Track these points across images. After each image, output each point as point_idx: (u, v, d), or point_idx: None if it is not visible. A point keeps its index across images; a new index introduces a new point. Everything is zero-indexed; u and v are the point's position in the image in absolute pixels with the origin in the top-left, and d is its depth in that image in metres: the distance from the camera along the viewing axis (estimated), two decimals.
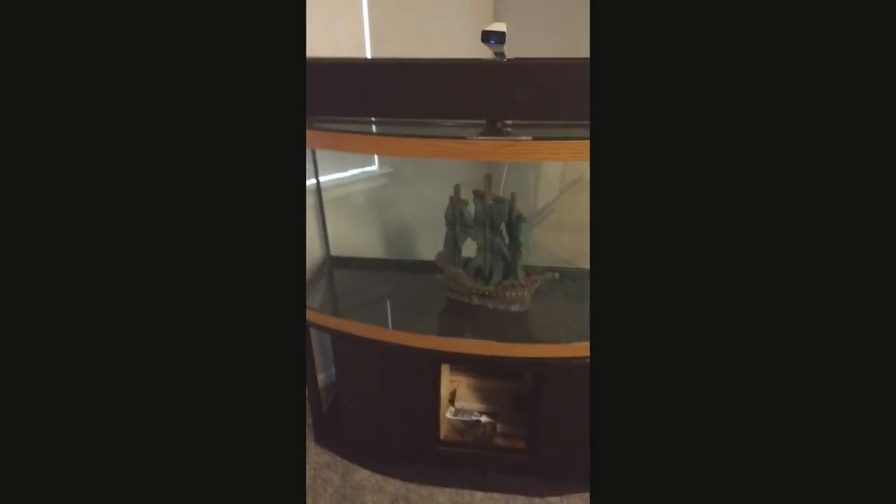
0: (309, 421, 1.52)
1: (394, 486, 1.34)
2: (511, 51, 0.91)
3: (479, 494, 1.32)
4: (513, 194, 1.08)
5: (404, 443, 1.37)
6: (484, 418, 1.52)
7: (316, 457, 1.43)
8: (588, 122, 0.90)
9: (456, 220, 1.16)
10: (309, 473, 1.38)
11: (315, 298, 1.33)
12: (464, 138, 0.86)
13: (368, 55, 1.38)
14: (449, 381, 1.60)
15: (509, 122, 0.98)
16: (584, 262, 1.47)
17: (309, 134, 0.96)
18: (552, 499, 1.31)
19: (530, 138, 0.85)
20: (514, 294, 1.19)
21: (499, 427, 1.48)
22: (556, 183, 1.44)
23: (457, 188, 1.12)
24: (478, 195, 1.11)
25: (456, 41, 1.49)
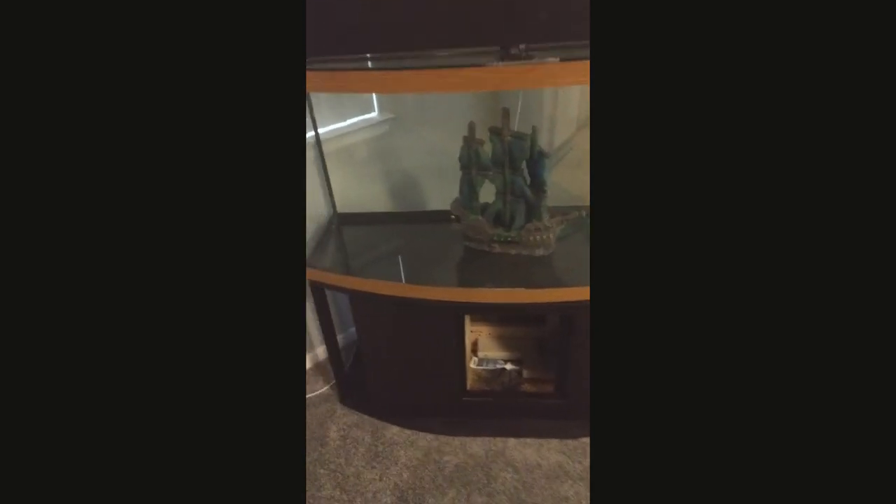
0: (333, 382, 1.50)
1: (425, 439, 1.33)
2: None
3: (511, 441, 1.31)
4: (534, 128, 0.99)
5: (432, 397, 1.35)
6: (509, 366, 1.50)
7: (343, 417, 1.41)
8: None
9: (472, 162, 1.07)
10: (338, 434, 1.36)
11: (327, 258, 1.26)
12: (481, 65, 0.76)
13: None
14: (470, 331, 1.56)
15: (523, 46, 0.87)
16: None
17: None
18: (584, 439, 1.30)
19: (557, 60, 0.75)
20: (538, 237, 1.12)
21: (525, 373, 1.46)
22: (572, 118, 1.34)
23: (471, 126, 1.03)
24: (495, 132, 1.02)
25: None
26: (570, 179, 1.44)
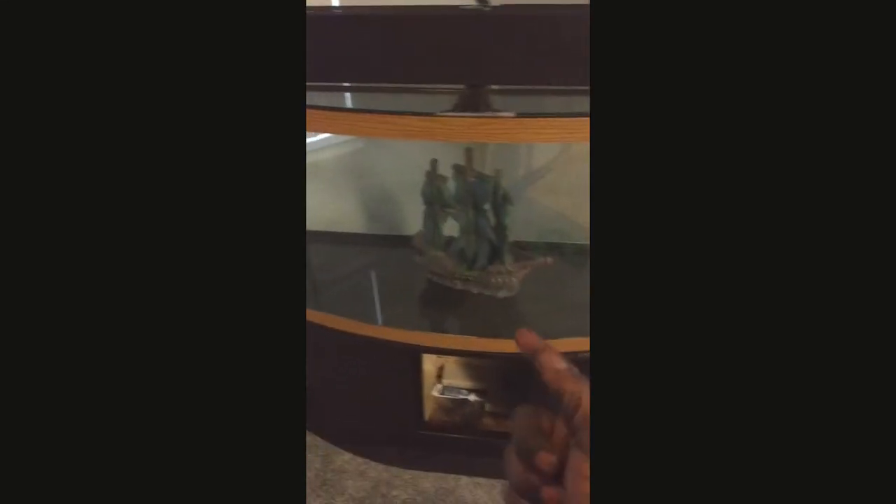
0: None
1: (376, 470, 1.30)
2: None
3: (464, 479, 1.28)
4: (498, 171, 0.93)
5: (386, 428, 1.31)
6: (472, 397, 1.46)
7: None
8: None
9: (434, 199, 1.01)
10: None
11: None
12: (431, 114, 0.70)
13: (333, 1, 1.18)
14: (436, 356, 1.52)
15: (495, 87, 0.81)
16: (585, 230, 1.33)
17: None
18: None
19: (513, 115, 0.69)
20: (500, 280, 1.07)
21: (487, 406, 1.42)
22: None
23: (433, 163, 0.97)
24: (458, 171, 0.96)
25: None
26: (552, 202, 1.37)
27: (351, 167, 1.39)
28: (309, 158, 1.26)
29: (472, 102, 0.75)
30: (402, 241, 1.32)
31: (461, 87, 0.81)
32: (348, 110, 0.74)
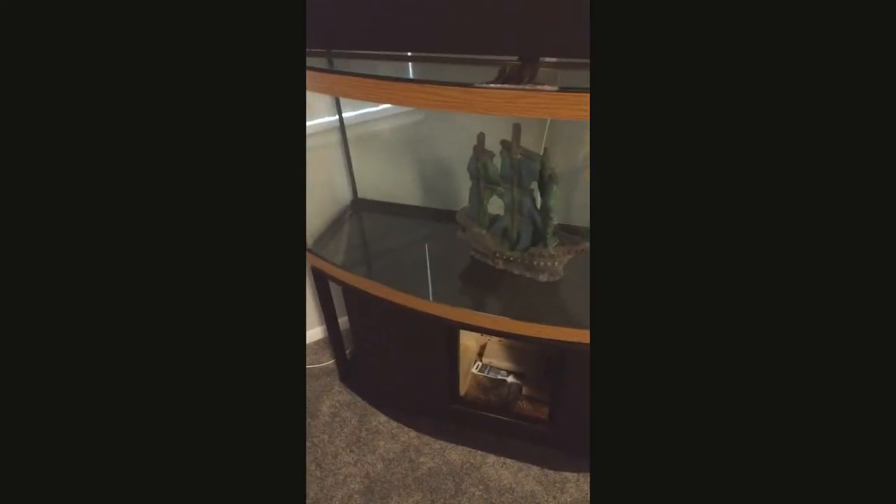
0: (332, 361, 1.54)
1: (408, 435, 1.34)
2: None
3: (491, 457, 1.28)
4: (545, 150, 0.89)
5: (422, 397, 1.34)
6: (511, 378, 1.45)
7: (338, 395, 1.46)
8: None
9: (480, 175, 0.99)
10: (329, 411, 1.41)
11: (331, 246, 1.27)
12: (470, 85, 0.68)
13: None
14: (480, 334, 1.52)
15: (552, 59, 0.77)
16: None
17: None
18: (565, 473, 1.24)
19: (556, 89, 0.65)
20: (542, 263, 1.03)
21: (524, 390, 1.41)
22: None
23: (480, 137, 0.95)
24: (505, 147, 0.93)
25: None
26: None
27: (407, 139, 1.40)
28: (367, 128, 1.28)
29: (515, 75, 0.72)
30: (451, 217, 1.31)
31: (508, 59, 0.78)
32: (388, 79, 0.73)
